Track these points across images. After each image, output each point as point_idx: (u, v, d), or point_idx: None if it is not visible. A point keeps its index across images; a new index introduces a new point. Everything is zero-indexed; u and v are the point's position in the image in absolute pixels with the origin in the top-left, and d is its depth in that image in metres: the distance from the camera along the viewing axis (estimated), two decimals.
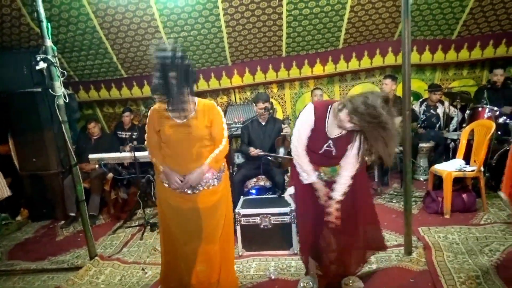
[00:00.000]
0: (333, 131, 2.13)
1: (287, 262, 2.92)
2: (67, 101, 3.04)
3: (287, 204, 3.11)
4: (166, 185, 2.25)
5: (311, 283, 2.48)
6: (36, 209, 4.61)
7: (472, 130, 3.77)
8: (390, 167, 4.59)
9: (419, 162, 4.66)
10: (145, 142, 2.32)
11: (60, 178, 4.49)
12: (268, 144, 3.93)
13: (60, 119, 3.01)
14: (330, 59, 5.01)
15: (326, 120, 2.11)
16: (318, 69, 5.08)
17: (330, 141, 2.15)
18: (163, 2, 4.00)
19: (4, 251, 3.78)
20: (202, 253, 2.24)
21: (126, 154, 3.97)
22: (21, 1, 3.85)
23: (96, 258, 3.22)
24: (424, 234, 3.09)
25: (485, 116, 3.99)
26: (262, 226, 3.07)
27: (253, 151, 3.82)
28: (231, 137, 4.51)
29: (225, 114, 4.96)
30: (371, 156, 2.02)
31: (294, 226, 3.00)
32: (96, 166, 4.35)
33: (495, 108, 3.99)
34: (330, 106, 2.11)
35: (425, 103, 4.88)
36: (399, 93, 4.60)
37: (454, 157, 3.93)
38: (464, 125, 4.19)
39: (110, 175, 4.45)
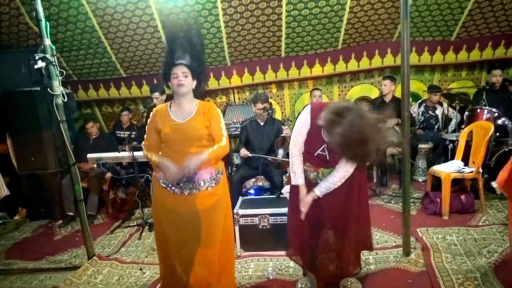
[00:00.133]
0: None
1: (285, 262, 2.92)
2: (65, 100, 3.03)
3: (285, 205, 3.10)
4: (164, 185, 2.24)
5: (309, 284, 2.48)
6: (34, 209, 4.59)
7: (471, 132, 3.78)
8: (390, 167, 4.60)
9: (418, 163, 4.67)
10: (143, 143, 2.32)
11: (58, 178, 4.48)
12: (266, 144, 3.93)
13: (59, 118, 3.00)
14: (329, 59, 5.01)
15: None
16: (317, 70, 5.08)
17: (325, 145, 2.14)
18: (162, 2, 4.00)
19: (2, 250, 3.77)
20: (200, 257, 2.23)
21: (125, 154, 3.97)
22: (19, 0, 3.84)
23: (94, 257, 3.22)
24: (422, 235, 3.09)
25: (484, 117, 4.00)
26: (260, 226, 3.07)
27: (243, 152, 3.82)
28: (229, 138, 4.51)
29: (224, 114, 4.95)
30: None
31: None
32: (95, 165, 4.35)
33: (494, 110, 4.00)
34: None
35: (424, 104, 4.88)
36: (398, 94, 4.60)
37: (452, 158, 3.93)
38: (463, 127, 4.19)
39: (109, 174, 4.45)
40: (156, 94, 4.21)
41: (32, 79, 4.11)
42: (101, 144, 4.57)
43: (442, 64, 5.08)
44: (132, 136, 4.32)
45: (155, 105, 3.74)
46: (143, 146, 2.31)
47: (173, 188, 2.22)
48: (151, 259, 3.21)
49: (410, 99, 5.03)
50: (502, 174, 2.22)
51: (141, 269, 3.02)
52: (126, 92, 5.35)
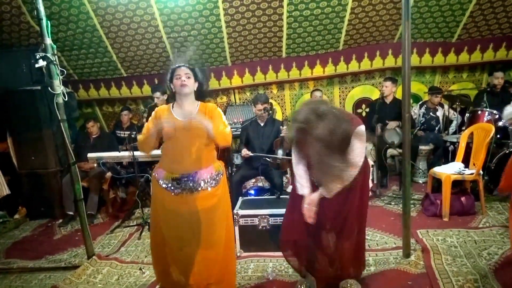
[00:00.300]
0: None
1: (285, 263, 2.89)
2: (66, 99, 3.03)
3: (285, 205, 3.10)
4: (164, 186, 2.24)
5: (308, 285, 2.48)
6: (34, 208, 4.59)
7: (472, 133, 3.77)
8: (390, 168, 4.60)
9: (418, 165, 4.66)
10: (138, 137, 2.32)
11: (58, 177, 4.47)
12: (266, 145, 3.92)
13: (59, 118, 3.00)
14: (330, 60, 5.01)
15: None
16: (318, 71, 5.08)
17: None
18: (163, 2, 4.00)
19: (2, 249, 3.76)
20: (200, 258, 2.24)
21: (125, 154, 3.97)
22: None
23: (94, 257, 3.21)
24: (422, 237, 3.09)
25: (485, 119, 3.99)
26: (260, 227, 3.07)
27: (244, 152, 3.82)
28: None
29: (224, 114, 4.94)
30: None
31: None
32: (95, 165, 4.35)
33: (495, 112, 3.99)
34: None
35: (425, 105, 4.88)
36: (399, 95, 4.60)
37: (453, 160, 3.93)
38: (463, 128, 4.19)
39: (109, 174, 4.45)
40: (158, 94, 4.21)
41: (33, 78, 4.11)
42: (102, 144, 4.57)
43: (443, 65, 5.08)
44: (133, 135, 4.31)
45: (156, 105, 3.74)
46: (140, 135, 2.30)
47: (173, 188, 2.22)
48: (150, 259, 3.20)
49: (411, 101, 5.03)
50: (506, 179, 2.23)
51: (140, 269, 3.02)
52: (127, 91, 5.36)
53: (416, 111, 4.89)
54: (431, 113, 4.81)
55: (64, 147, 3.20)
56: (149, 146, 2.28)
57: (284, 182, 3.95)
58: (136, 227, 3.95)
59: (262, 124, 3.99)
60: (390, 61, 4.96)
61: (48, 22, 2.85)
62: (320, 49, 4.92)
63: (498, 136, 3.90)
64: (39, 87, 4.25)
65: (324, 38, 4.71)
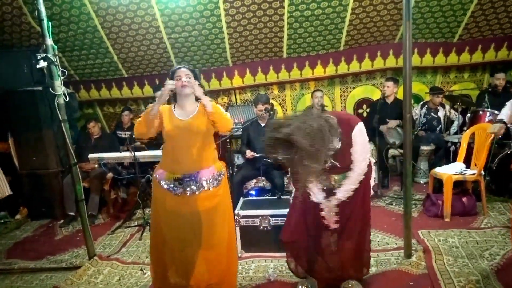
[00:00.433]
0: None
1: (286, 264, 2.89)
2: (67, 100, 3.03)
3: (286, 206, 3.10)
4: (165, 187, 2.24)
5: (310, 286, 2.47)
6: (35, 208, 4.60)
7: (473, 134, 3.77)
8: (391, 169, 4.59)
9: (420, 165, 4.66)
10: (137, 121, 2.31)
11: (59, 177, 4.48)
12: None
13: (60, 118, 3.00)
14: (331, 61, 5.00)
15: None
16: (319, 71, 5.07)
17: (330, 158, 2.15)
18: (164, 2, 4.00)
19: (3, 249, 3.77)
20: (201, 258, 2.24)
21: (126, 154, 3.97)
22: None
23: (95, 258, 3.21)
24: (424, 237, 3.08)
25: (486, 119, 3.99)
26: (261, 227, 3.07)
27: (249, 153, 3.82)
28: (231, 138, 4.51)
29: None
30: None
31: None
32: (96, 165, 4.35)
33: (496, 112, 3.98)
34: None
35: (426, 106, 4.87)
36: (400, 95, 4.60)
37: (454, 160, 3.92)
38: (465, 129, 4.18)
39: (110, 174, 4.45)
40: (158, 94, 4.20)
41: (34, 78, 4.11)
42: (103, 144, 4.57)
43: (444, 65, 5.07)
44: (134, 136, 4.31)
45: None
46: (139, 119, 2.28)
47: (175, 188, 2.22)
48: None
49: (412, 101, 5.03)
50: None
51: (141, 270, 3.02)
52: (128, 92, 5.36)
53: (417, 111, 4.89)
54: (432, 114, 4.81)
55: (65, 148, 3.20)
56: (146, 126, 2.20)
57: (285, 183, 3.95)
58: (137, 227, 3.96)
59: (263, 125, 3.99)
60: (391, 61, 4.96)
61: (49, 22, 2.86)
62: (321, 50, 4.92)
63: (500, 136, 3.88)
64: (40, 88, 4.26)
65: (325, 38, 4.71)
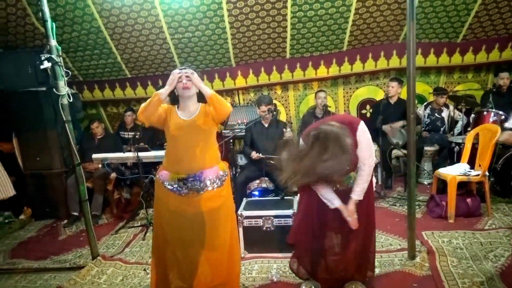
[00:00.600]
0: None
1: (288, 265, 2.90)
2: (71, 100, 3.04)
3: (289, 207, 3.10)
4: (169, 187, 2.24)
5: (313, 287, 2.47)
6: (39, 208, 4.62)
7: (477, 134, 3.75)
8: (395, 169, 4.57)
9: (423, 166, 4.64)
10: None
11: (63, 178, 4.50)
12: (271, 146, 3.92)
13: (64, 119, 3.02)
14: (334, 61, 4.99)
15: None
16: (322, 71, 5.06)
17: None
18: (167, 3, 4.00)
19: (7, 249, 3.79)
20: (204, 259, 2.24)
21: (129, 154, 3.98)
22: (26, 0, 3.86)
23: (98, 258, 3.22)
24: (427, 238, 3.07)
25: (491, 120, 3.97)
26: (264, 228, 3.06)
27: (255, 154, 3.82)
28: (234, 139, 4.51)
29: (228, 115, 4.94)
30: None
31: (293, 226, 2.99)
32: (100, 166, 4.36)
33: (501, 112, 3.97)
34: None
35: (430, 106, 4.85)
36: (403, 96, 4.58)
37: (458, 161, 3.90)
38: (469, 129, 4.16)
39: (113, 175, 4.46)
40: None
41: (38, 79, 4.13)
42: (106, 145, 4.59)
43: (448, 66, 5.05)
44: (137, 136, 4.33)
45: None
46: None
47: (179, 188, 2.22)
48: None
49: (416, 101, 5.01)
50: None
51: (145, 270, 3.02)
52: (131, 92, 5.37)
53: (421, 112, 4.87)
54: (436, 114, 4.79)
55: (69, 148, 3.21)
56: (148, 110, 2.20)
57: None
58: (140, 227, 3.97)
59: (266, 125, 3.99)
60: (394, 62, 4.94)
61: (53, 23, 2.87)
62: (324, 50, 4.91)
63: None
64: (44, 88, 4.28)
65: (328, 38, 4.70)
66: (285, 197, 3.39)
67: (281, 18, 4.30)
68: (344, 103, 5.43)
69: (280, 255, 3.04)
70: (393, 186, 4.56)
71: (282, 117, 5.41)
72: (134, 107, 5.40)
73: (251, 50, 4.82)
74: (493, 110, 4.03)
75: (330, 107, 4.78)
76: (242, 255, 3.07)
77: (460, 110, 4.53)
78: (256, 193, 4.18)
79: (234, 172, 3.75)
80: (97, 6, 3.99)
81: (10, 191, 4.29)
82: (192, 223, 2.23)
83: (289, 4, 4.11)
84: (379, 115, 4.23)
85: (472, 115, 4.25)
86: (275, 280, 2.71)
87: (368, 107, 5.39)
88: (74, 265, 3.24)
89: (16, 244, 3.92)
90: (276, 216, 3.04)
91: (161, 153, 3.77)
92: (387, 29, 4.60)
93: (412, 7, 2.42)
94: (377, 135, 4.14)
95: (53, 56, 2.89)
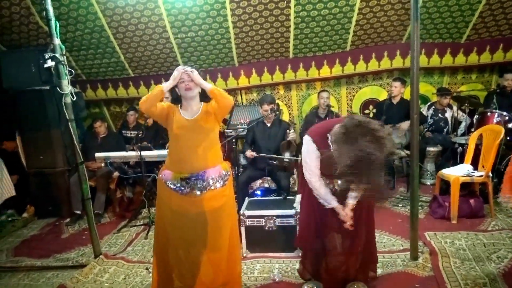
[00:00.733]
0: None
1: (291, 264, 2.90)
2: (74, 99, 3.05)
3: (292, 207, 3.10)
4: (172, 186, 2.24)
5: (315, 287, 2.47)
6: (42, 206, 4.63)
7: (481, 135, 3.73)
8: (398, 170, 4.56)
9: (426, 166, 4.62)
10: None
11: (66, 176, 4.51)
12: (273, 146, 3.91)
13: (67, 117, 3.03)
14: (337, 61, 4.98)
15: (330, 147, 2.11)
16: (325, 71, 5.05)
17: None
18: (171, 2, 4.01)
19: (10, 247, 3.81)
20: (207, 260, 2.25)
21: (132, 153, 3.98)
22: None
23: (101, 256, 3.23)
24: (430, 239, 3.06)
25: (494, 121, 3.95)
26: (266, 228, 3.06)
27: (249, 153, 3.82)
28: (237, 138, 4.51)
29: (231, 115, 4.96)
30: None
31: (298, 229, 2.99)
32: (102, 164, 4.38)
33: (505, 113, 3.95)
34: (328, 134, 2.11)
35: (433, 107, 4.84)
36: (407, 96, 4.57)
37: (461, 162, 3.89)
38: (472, 130, 4.14)
39: (116, 173, 4.47)
40: (166, 94, 4.21)
41: (42, 78, 4.15)
42: (109, 144, 4.59)
43: (451, 66, 5.03)
44: (140, 135, 4.33)
45: None
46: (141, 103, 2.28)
47: (181, 188, 2.22)
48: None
49: (419, 101, 4.99)
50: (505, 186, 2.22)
51: (147, 269, 3.03)
52: (134, 91, 5.38)
53: (424, 112, 4.85)
54: (439, 115, 4.77)
55: (72, 147, 3.22)
56: (150, 101, 2.21)
57: (290, 183, 3.94)
58: (142, 226, 3.97)
59: (268, 125, 3.98)
60: (398, 62, 4.92)
61: (57, 22, 2.88)
62: (327, 50, 4.90)
63: (508, 138, 3.85)
64: (47, 87, 4.30)
65: (332, 38, 4.69)
66: (287, 197, 3.39)
67: (284, 17, 4.29)
68: (347, 103, 5.42)
69: (282, 255, 3.04)
70: (395, 186, 4.55)
71: (285, 117, 5.40)
72: (136, 106, 5.41)
73: (254, 50, 4.82)
74: (497, 111, 4.02)
75: (333, 107, 4.77)
76: (244, 255, 3.07)
77: (463, 111, 4.51)
78: (259, 192, 4.18)
79: (236, 172, 3.74)
80: (101, 5, 4.00)
81: (12, 191, 4.32)
82: (195, 223, 2.23)
83: (292, 3, 4.11)
84: (382, 115, 4.22)
85: (476, 116, 4.23)
86: (277, 280, 2.71)
87: (371, 107, 5.38)
88: (77, 264, 3.25)
89: (19, 242, 3.93)
90: (278, 216, 3.03)
91: (163, 152, 3.77)
92: (391, 29, 4.59)
93: (416, 7, 2.41)
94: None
95: (57, 55, 2.89)
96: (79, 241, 3.79)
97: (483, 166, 3.57)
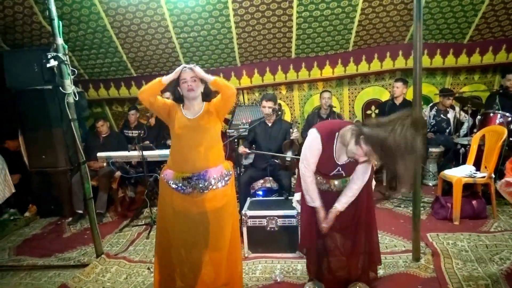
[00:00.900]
0: (342, 158, 2.13)
1: (293, 265, 2.90)
2: (76, 99, 3.06)
3: (293, 207, 3.09)
4: (174, 186, 2.25)
5: (317, 287, 2.46)
6: (44, 206, 4.64)
7: (483, 136, 3.72)
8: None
9: (428, 167, 4.61)
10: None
11: (68, 176, 4.52)
12: (274, 145, 3.91)
13: (70, 117, 3.02)
14: (339, 61, 4.98)
15: (334, 146, 2.10)
16: (327, 71, 5.05)
17: (339, 167, 2.16)
18: (173, 2, 4.01)
19: (12, 246, 3.81)
20: (208, 259, 2.25)
21: (134, 153, 3.99)
22: None
23: (103, 256, 3.23)
24: (432, 240, 3.05)
25: (497, 121, 3.93)
26: (268, 228, 3.06)
27: (241, 149, 3.82)
28: (238, 138, 4.51)
29: (233, 114, 4.96)
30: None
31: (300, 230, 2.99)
32: (104, 164, 4.38)
33: (507, 114, 3.93)
34: (337, 133, 2.09)
35: (436, 107, 4.82)
36: (409, 97, 4.55)
37: (464, 162, 3.88)
38: (475, 131, 4.13)
39: (118, 173, 4.47)
40: (167, 94, 4.21)
41: (44, 77, 4.16)
42: (111, 143, 4.60)
43: (454, 67, 5.02)
44: (141, 135, 4.34)
45: None
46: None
47: (183, 187, 2.22)
48: None
49: (421, 102, 4.98)
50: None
51: (148, 268, 3.03)
52: (136, 91, 5.38)
53: (426, 113, 4.84)
54: (442, 115, 4.76)
55: (74, 146, 3.22)
56: (151, 90, 2.25)
57: (292, 183, 3.93)
58: (144, 226, 3.97)
59: (269, 125, 3.98)
60: (400, 62, 4.92)
61: (60, 22, 2.88)
62: (330, 50, 4.90)
63: (511, 139, 3.84)
64: (50, 87, 4.30)
65: (334, 39, 4.69)
66: (289, 197, 3.38)
67: (287, 18, 4.29)
68: (349, 104, 5.41)
69: (284, 255, 3.04)
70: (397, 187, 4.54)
71: (287, 117, 5.40)
72: (137, 105, 5.42)
73: (256, 50, 4.82)
74: (500, 111, 4.00)
75: (335, 107, 4.76)
76: (246, 255, 3.07)
77: (466, 112, 4.50)
78: (260, 193, 4.17)
79: (238, 172, 3.74)
80: (104, 5, 4.00)
81: (12, 189, 4.34)
82: (197, 223, 2.23)
83: (295, 4, 4.11)
84: (384, 115, 4.20)
85: (478, 117, 4.22)
86: (278, 280, 2.70)
87: (373, 107, 5.37)
88: (79, 263, 3.25)
89: (21, 241, 3.94)
90: (280, 216, 3.03)
91: (165, 152, 3.77)
92: (393, 30, 4.58)
93: (419, 8, 2.40)
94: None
95: (60, 54, 2.90)
96: (81, 241, 3.80)
97: (485, 167, 3.56)
